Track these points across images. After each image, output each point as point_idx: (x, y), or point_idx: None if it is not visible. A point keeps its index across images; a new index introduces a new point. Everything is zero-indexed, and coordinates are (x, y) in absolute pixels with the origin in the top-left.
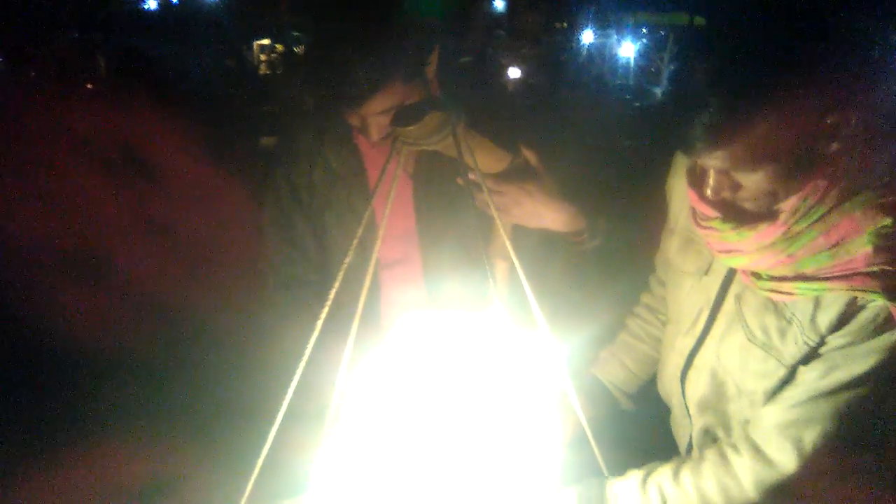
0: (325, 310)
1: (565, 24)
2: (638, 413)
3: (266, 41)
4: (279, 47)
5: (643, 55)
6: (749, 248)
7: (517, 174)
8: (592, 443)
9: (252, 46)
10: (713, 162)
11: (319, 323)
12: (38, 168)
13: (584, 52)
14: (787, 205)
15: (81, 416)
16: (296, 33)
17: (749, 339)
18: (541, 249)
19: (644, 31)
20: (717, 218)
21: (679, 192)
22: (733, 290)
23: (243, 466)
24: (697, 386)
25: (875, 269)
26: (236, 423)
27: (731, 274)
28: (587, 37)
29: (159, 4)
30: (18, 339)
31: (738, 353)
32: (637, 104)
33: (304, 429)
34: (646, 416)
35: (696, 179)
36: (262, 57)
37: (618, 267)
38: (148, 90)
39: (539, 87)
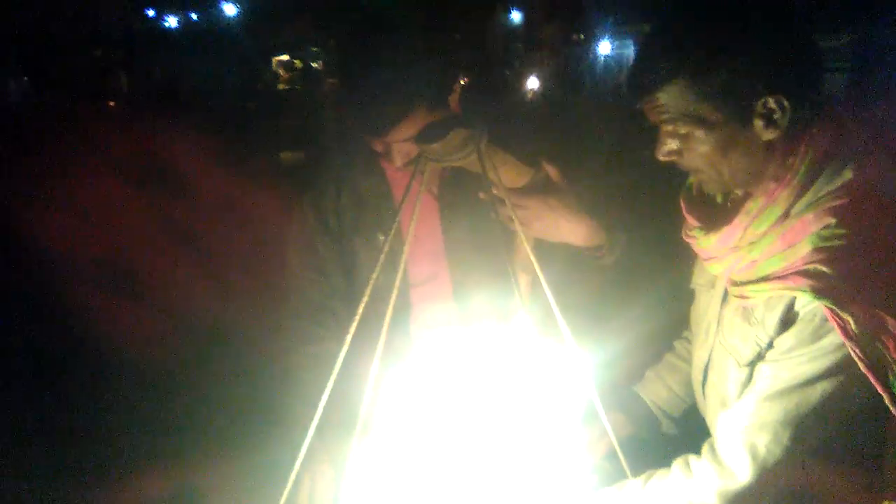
0: (354, 325)
1: (582, 36)
2: (682, 436)
3: (285, 57)
4: (298, 63)
5: None
6: (720, 253)
7: (539, 188)
8: (619, 453)
9: (271, 62)
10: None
11: (349, 338)
12: (67, 183)
13: (603, 63)
14: (742, 207)
15: (111, 429)
16: (314, 49)
17: (721, 343)
18: (562, 263)
19: None
20: (696, 227)
21: None
22: (728, 300)
23: (273, 477)
24: (713, 399)
25: (809, 267)
26: (265, 434)
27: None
28: (605, 48)
29: (180, 22)
30: (52, 350)
31: (720, 361)
32: None
33: (331, 440)
34: (693, 441)
35: (688, 193)
36: (282, 72)
37: (640, 281)
38: (171, 107)
39: (558, 99)
